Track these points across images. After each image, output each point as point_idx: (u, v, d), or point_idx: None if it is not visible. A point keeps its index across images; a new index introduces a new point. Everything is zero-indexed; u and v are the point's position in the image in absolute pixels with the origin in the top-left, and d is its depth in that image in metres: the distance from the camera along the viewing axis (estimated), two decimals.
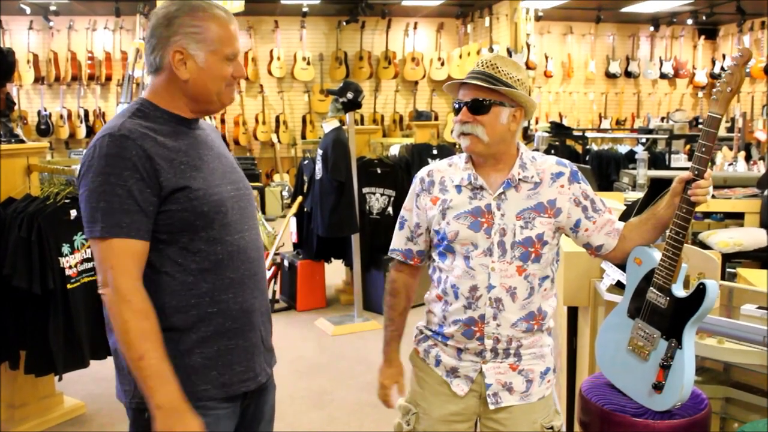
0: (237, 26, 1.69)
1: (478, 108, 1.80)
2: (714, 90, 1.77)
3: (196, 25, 1.60)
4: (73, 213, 3.35)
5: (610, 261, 2.02)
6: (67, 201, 3.36)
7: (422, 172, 1.98)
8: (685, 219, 1.78)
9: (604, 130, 10.85)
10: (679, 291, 1.83)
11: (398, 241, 2.02)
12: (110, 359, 1.70)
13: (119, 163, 1.52)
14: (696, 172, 1.77)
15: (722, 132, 10.67)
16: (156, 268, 1.59)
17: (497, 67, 1.81)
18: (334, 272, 6.09)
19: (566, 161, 1.95)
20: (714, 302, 1.78)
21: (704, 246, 4.21)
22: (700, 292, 1.78)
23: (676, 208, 1.80)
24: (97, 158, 1.53)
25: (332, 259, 5.79)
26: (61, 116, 10.33)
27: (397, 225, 2.03)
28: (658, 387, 1.84)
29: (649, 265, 1.90)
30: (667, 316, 1.84)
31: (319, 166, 5.28)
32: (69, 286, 3.31)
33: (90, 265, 3.39)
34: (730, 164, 6.31)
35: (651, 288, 1.88)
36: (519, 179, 1.85)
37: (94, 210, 1.52)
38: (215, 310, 1.62)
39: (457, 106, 1.86)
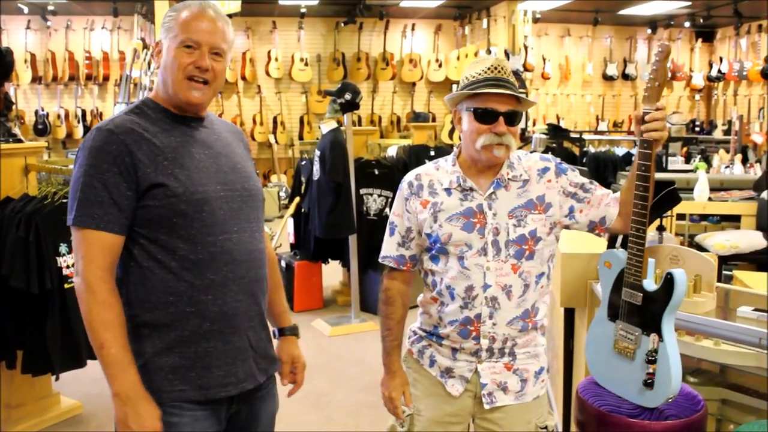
0: (217, 20, 1.65)
1: (513, 118, 1.80)
2: (645, 87, 1.79)
3: (170, 15, 1.66)
4: None
5: (622, 231, 1.93)
6: (64, 201, 3.35)
7: (409, 177, 1.97)
8: (644, 197, 1.77)
9: (602, 132, 10.89)
10: (650, 285, 1.86)
11: (389, 247, 1.99)
12: None
13: (100, 156, 1.56)
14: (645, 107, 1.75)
15: (719, 135, 10.71)
16: (138, 262, 1.61)
17: (510, 74, 1.82)
18: (332, 273, 6.09)
19: (549, 156, 1.96)
20: (684, 289, 1.82)
21: (701, 248, 4.23)
22: (669, 282, 1.81)
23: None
24: (83, 150, 1.59)
25: (329, 260, 5.79)
26: (59, 116, 10.32)
27: (387, 232, 1.99)
28: (647, 383, 1.86)
29: (619, 266, 1.93)
30: (643, 311, 1.87)
31: (316, 167, 5.28)
32: (66, 285, 3.31)
33: None
34: (726, 167, 6.33)
35: (624, 288, 1.91)
36: (508, 179, 1.86)
37: (73, 199, 1.58)
38: (193, 310, 1.62)
39: (482, 115, 1.79)
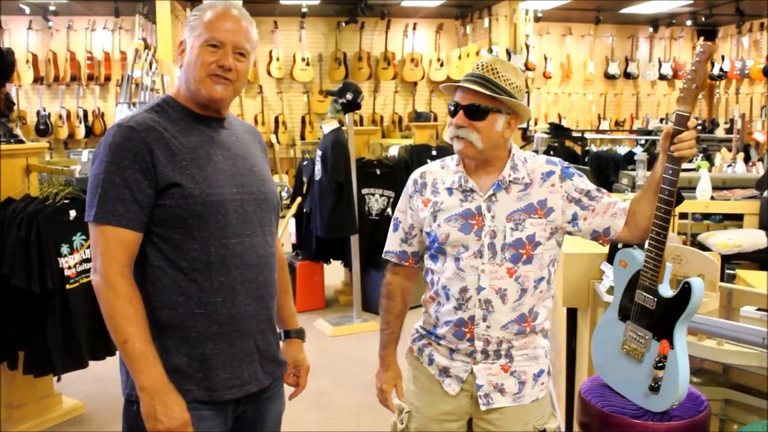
0: (242, 20, 1.66)
1: (475, 113, 1.79)
2: (680, 88, 1.78)
3: (194, 15, 1.66)
4: (73, 213, 3.35)
5: (627, 242, 1.93)
6: (66, 201, 3.36)
7: (415, 174, 1.98)
8: (668, 202, 1.77)
9: (603, 131, 10.87)
10: (666, 291, 1.85)
11: (392, 243, 2.01)
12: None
13: (121, 153, 1.56)
14: (677, 124, 1.76)
15: (721, 133, 10.69)
16: (150, 261, 1.61)
17: (498, 73, 1.80)
18: (333, 273, 6.09)
19: (556, 159, 1.93)
20: (701, 300, 1.80)
21: (703, 247, 4.22)
22: (686, 291, 1.80)
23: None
24: (104, 147, 1.59)
25: (331, 259, 5.79)
26: (60, 116, 10.31)
27: (391, 227, 2.02)
28: (654, 388, 1.85)
29: (635, 267, 1.92)
30: (656, 316, 1.85)
31: (318, 167, 5.28)
32: (68, 286, 3.31)
33: (89, 265, 3.39)
34: (729, 165, 6.31)
35: (638, 290, 1.89)
36: (509, 181, 1.85)
37: (93, 195, 1.57)
38: (202, 312, 1.62)
39: (452, 108, 1.83)
